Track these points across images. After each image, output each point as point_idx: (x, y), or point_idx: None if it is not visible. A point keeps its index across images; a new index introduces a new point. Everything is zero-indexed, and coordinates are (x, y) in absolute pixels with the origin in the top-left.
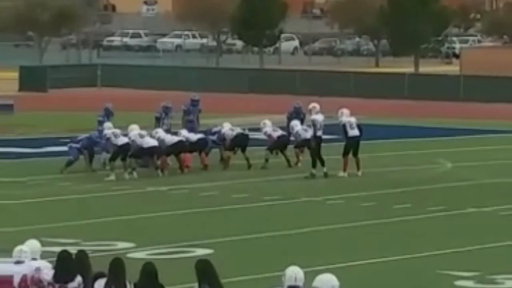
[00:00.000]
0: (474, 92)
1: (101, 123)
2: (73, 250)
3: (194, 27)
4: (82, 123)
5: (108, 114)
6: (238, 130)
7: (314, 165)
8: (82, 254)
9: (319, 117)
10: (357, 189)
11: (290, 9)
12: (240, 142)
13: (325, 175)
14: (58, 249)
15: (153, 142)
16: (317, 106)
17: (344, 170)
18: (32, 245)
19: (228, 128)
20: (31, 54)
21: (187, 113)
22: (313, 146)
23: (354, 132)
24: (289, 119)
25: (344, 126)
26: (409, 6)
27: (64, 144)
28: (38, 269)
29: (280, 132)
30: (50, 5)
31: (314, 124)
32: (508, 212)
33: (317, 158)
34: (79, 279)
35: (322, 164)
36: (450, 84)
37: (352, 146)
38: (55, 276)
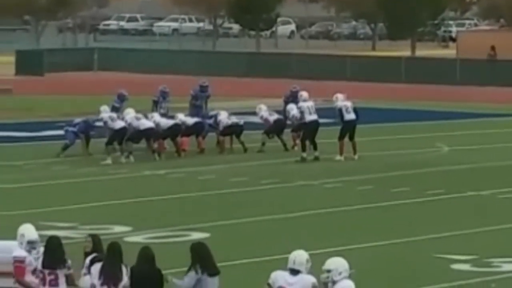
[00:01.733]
0: (471, 76)
1: (116, 109)
2: (70, 233)
3: (190, 11)
4: (79, 106)
5: (122, 99)
6: (234, 120)
7: (303, 149)
8: (55, 240)
9: (307, 104)
10: (354, 172)
11: None
12: (234, 131)
13: (316, 158)
14: (54, 233)
15: (150, 124)
16: (304, 93)
17: (341, 153)
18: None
19: (225, 117)
20: (28, 38)
21: (194, 98)
22: (304, 131)
23: (350, 116)
24: (286, 102)
25: (340, 110)
26: None
27: (61, 128)
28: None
29: (276, 116)
30: None
31: (302, 111)
32: (506, 196)
33: (310, 142)
34: (69, 263)
35: (315, 148)
36: (447, 67)
37: (348, 130)
38: (43, 262)
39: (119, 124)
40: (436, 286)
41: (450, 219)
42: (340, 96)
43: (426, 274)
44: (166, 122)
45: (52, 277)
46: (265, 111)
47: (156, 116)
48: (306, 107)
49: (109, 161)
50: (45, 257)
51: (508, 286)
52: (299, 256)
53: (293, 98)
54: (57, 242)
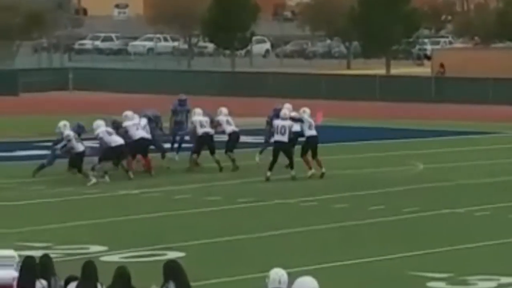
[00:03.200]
0: (446, 94)
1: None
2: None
3: (165, 30)
4: (54, 126)
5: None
6: (206, 129)
7: (270, 168)
8: (46, 258)
9: (278, 122)
10: (330, 191)
11: (261, 11)
12: (205, 141)
13: (293, 178)
14: (30, 253)
15: (121, 140)
16: (285, 110)
17: (310, 168)
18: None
19: (198, 119)
20: (2, 57)
21: (175, 113)
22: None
23: (312, 132)
24: (270, 123)
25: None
26: (379, 7)
27: (36, 148)
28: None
29: (232, 128)
30: (21, 8)
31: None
32: (482, 213)
33: (312, 157)
34: (43, 282)
35: (291, 167)
36: (422, 85)
37: (310, 146)
38: (18, 282)
39: (116, 141)
40: None
41: (425, 237)
42: (307, 111)
43: None
44: (134, 133)
45: None
46: (225, 115)
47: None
48: (308, 121)
49: (94, 180)
50: (20, 277)
51: None
52: (283, 276)
53: (277, 116)
54: (31, 261)
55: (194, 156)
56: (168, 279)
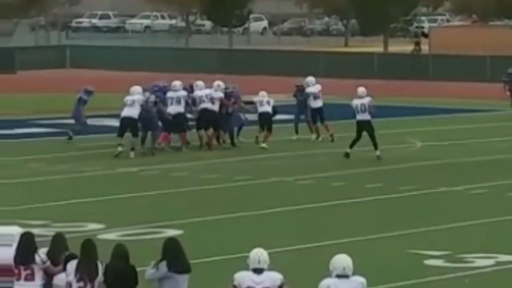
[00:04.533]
0: (443, 71)
1: (84, 102)
2: (42, 231)
3: (163, 8)
4: (52, 104)
5: (89, 94)
6: (204, 105)
7: (351, 146)
8: (59, 237)
9: (356, 101)
10: (328, 168)
11: None
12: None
13: (378, 158)
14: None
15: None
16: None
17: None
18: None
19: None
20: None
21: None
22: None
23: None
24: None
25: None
26: None
27: (33, 125)
28: None
29: (205, 106)
30: None
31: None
32: (479, 191)
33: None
34: (42, 257)
35: (376, 146)
36: (419, 63)
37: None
38: (15, 258)
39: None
40: (410, 282)
41: (423, 215)
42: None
43: (400, 270)
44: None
45: (28, 272)
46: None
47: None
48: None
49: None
50: (18, 253)
51: (482, 281)
52: (262, 255)
53: (300, 92)
54: (30, 237)
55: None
56: (164, 258)
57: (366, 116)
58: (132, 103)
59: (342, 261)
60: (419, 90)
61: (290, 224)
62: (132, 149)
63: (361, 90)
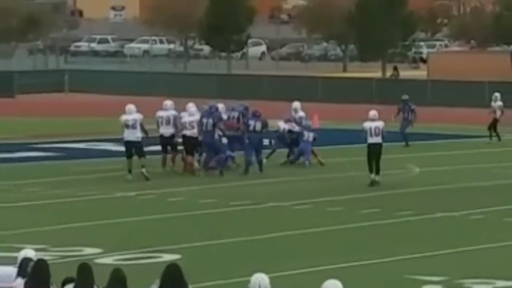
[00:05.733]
0: (441, 97)
1: None
2: (41, 256)
3: (161, 33)
4: (50, 128)
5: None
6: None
7: (371, 170)
8: (42, 262)
9: (369, 124)
10: (324, 194)
11: (257, 14)
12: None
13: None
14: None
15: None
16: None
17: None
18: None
19: (187, 113)
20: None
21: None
22: None
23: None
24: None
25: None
26: (376, 11)
27: (31, 149)
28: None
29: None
30: (17, 10)
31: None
32: (477, 217)
33: None
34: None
35: (378, 171)
36: (418, 88)
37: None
38: (27, 284)
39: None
40: None
41: (421, 240)
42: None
43: None
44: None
45: None
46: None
47: None
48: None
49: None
50: (31, 280)
51: None
52: (263, 280)
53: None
54: (44, 264)
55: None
56: (161, 282)
57: (378, 140)
58: (134, 124)
59: (333, 286)
60: (417, 115)
61: (287, 249)
62: (143, 166)
63: (373, 113)
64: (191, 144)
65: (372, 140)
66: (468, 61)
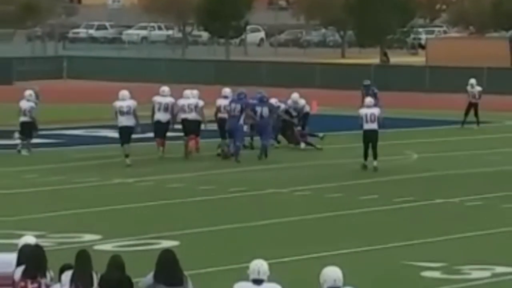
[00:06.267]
0: (440, 83)
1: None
2: (39, 242)
3: (159, 19)
4: (48, 115)
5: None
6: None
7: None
8: (39, 249)
9: (365, 110)
10: (323, 180)
11: (256, 0)
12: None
13: (375, 169)
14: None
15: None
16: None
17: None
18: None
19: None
20: None
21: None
22: None
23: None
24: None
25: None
26: None
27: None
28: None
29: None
30: None
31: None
32: (474, 203)
33: None
34: (51, 274)
35: (376, 156)
36: (416, 74)
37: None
38: (25, 271)
39: None
40: None
41: (419, 227)
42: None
43: (396, 282)
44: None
45: (35, 285)
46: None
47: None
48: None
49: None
50: (28, 266)
51: None
52: (262, 266)
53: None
54: (41, 251)
55: None
56: (156, 269)
57: (374, 126)
58: (129, 110)
59: (332, 273)
60: (416, 101)
61: (286, 235)
62: (127, 156)
63: (369, 100)
64: (191, 127)
65: (367, 126)
66: (466, 47)
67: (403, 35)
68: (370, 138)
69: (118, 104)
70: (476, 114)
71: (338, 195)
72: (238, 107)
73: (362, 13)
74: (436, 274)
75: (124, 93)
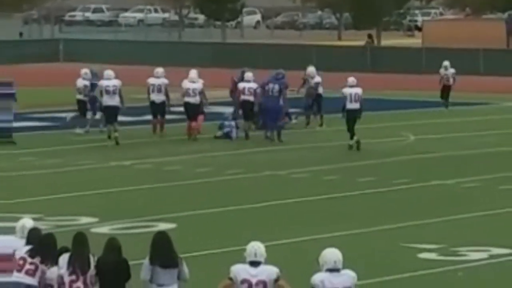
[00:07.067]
0: (436, 65)
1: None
2: (36, 225)
3: (156, 2)
4: (45, 98)
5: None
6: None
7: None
8: (51, 236)
9: (349, 90)
10: (321, 162)
11: None
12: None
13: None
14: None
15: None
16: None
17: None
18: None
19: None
20: None
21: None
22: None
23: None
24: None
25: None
26: None
27: (26, 119)
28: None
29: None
30: None
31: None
32: (471, 185)
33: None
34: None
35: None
36: (413, 56)
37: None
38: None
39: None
40: (404, 275)
41: (416, 208)
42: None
43: (394, 263)
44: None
45: (31, 267)
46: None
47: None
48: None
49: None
50: (38, 248)
51: (475, 274)
52: (259, 248)
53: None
54: (53, 239)
55: None
56: (151, 251)
57: (357, 105)
58: (115, 90)
59: (332, 255)
60: (412, 83)
61: (283, 218)
62: (116, 131)
63: (352, 79)
64: (194, 111)
65: (351, 106)
66: (463, 29)
67: (399, 17)
68: (353, 117)
69: (104, 83)
70: (447, 97)
71: (335, 177)
72: (277, 87)
73: None
74: (433, 256)
75: (109, 72)
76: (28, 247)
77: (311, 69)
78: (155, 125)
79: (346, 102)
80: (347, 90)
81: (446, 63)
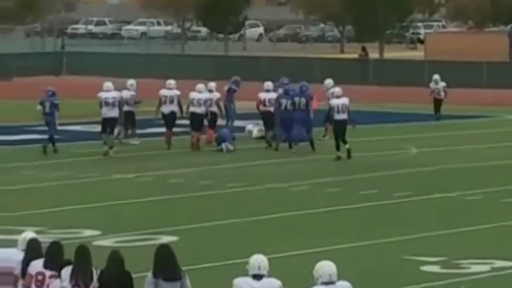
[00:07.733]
0: (440, 78)
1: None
2: (39, 238)
3: (158, 15)
4: None
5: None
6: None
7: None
8: (56, 245)
9: (336, 101)
10: (322, 175)
11: None
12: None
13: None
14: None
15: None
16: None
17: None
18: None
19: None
20: None
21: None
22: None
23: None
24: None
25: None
26: None
27: (29, 132)
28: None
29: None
30: None
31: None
32: (473, 197)
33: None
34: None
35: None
36: (415, 69)
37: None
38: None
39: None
40: None
41: (418, 221)
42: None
43: (396, 276)
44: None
45: (40, 278)
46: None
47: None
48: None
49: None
50: (47, 259)
51: (477, 287)
52: (263, 261)
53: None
54: (59, 246)
55: None
56: (154, 265)
57: (345, 116)
58: (114, 102)
59: (327, 268)
60: (415, 96)
61: (285, 230)
62: (111, 147)
63: (338, 90)
64: (199, 122)
65: (339, 116)
66: (465, 42)
67: (402, 29)
68: (341, 128)
69: (103, 95)
70: (439, 110)
71: (337, 190)
72: (304, 100)
73: (361, 8)
74: (436, 269)
75: (109, 84)
76: (40, 261)
77: (327, 81)
78: (168, 136)
79: (334, 114)
80: (334, 101)
81: (436, 76)
